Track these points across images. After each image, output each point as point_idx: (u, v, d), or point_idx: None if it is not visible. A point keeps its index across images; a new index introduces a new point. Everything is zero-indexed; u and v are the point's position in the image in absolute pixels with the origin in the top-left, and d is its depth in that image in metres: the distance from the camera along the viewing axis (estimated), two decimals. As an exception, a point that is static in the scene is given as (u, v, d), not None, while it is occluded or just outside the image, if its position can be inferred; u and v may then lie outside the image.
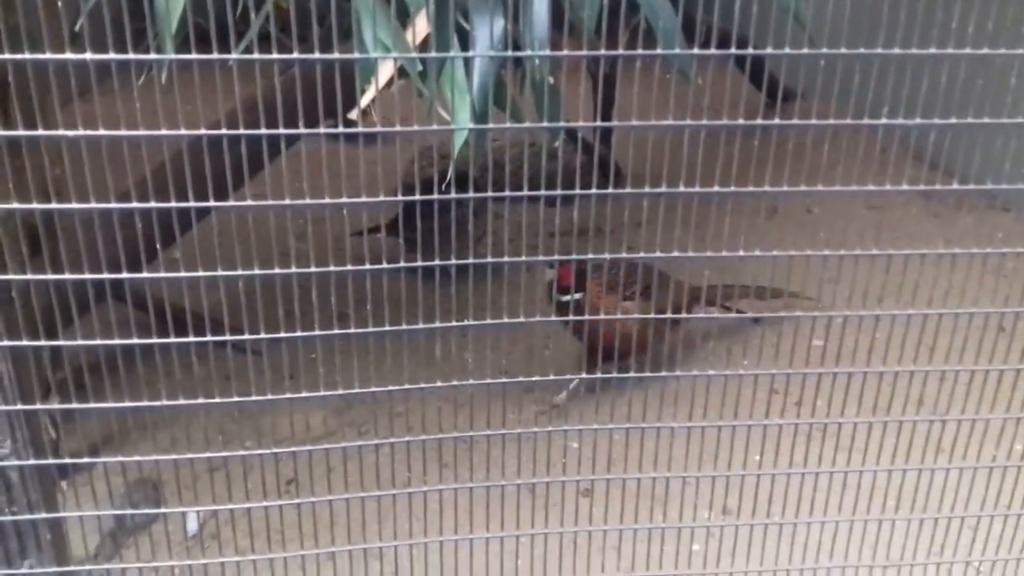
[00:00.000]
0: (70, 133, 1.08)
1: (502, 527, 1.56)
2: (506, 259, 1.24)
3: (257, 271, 1.16)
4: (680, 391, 1.54)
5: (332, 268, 1.18)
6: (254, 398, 1.29)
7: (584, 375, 2.96)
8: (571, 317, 2.67)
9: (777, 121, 1.24)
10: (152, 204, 1.12)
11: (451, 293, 1.21)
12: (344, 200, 1.15)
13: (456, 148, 1.34)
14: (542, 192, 1.20)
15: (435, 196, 1.16)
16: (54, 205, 1.15)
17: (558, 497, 1.69)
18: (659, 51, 1.18)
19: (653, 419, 1.56)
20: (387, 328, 1.24)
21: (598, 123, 3.28)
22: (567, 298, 2.87)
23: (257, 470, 2.37)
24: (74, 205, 1.14)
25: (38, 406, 1.20)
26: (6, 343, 1.14)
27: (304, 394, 1.30)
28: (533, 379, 1.46)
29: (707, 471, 1.61)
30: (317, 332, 1.23)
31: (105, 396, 1.28)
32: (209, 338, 1.21)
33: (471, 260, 1.17)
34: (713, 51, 1.18)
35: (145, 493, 2.37)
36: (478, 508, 1.58)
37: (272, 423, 2.70)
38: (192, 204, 1.13)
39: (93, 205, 1.13)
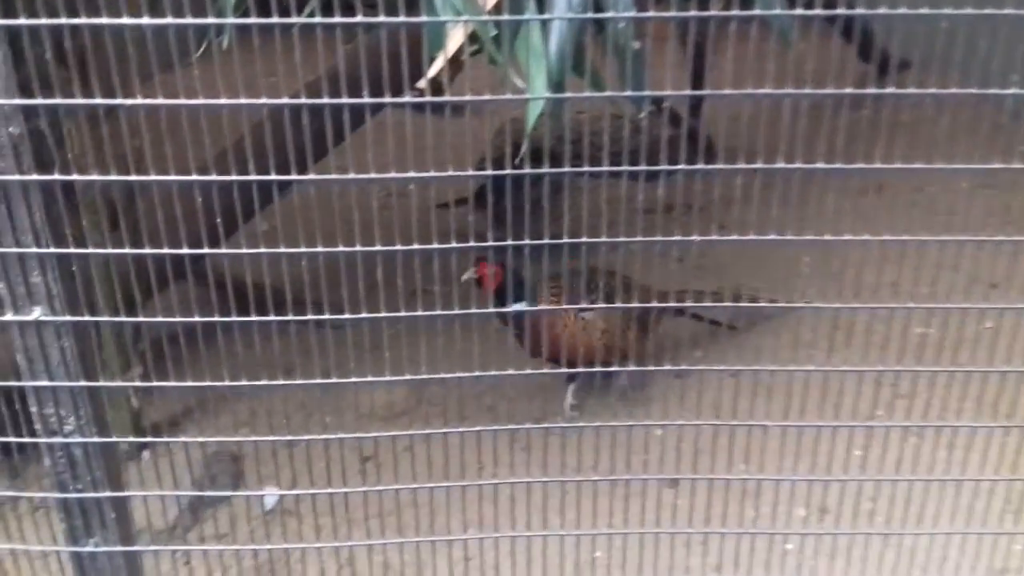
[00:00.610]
0: (148, 102, 1.05)
1: (578, 520, 1.49)
2: (604, 239, 1.15)
3: (341, 248, 1.10)
4: (774, 384, 1.43)
5: (416, 247, 1.12)
6: (333, 380, 1.25)
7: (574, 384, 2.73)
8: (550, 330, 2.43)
9: (892, 90, 1.11)
10: (233, 177, 1.08)
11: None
12: (428, 174, 1.08)
13: (531, 119, 1.25)
14: (624, 167, 1.10)
15: (508, 171, 1.08)
16: (133, 177, 1.11)
17: (641, 485, 1.60)
18: (756, 12, 1.07)
19: (745, 410, 1.46)
20: (468, 311, 1.18)
21: (688, 92, 3.01)
22: (511, 309, 2.57)
23: (335, 445, 2.36)
24: (154, 177, 1.10)
25: (101, 383, 1.18)
26: (67, 318, 1.12)
27: (384, 377, 1.26)
28: (612, 369, 1.37)
29: (803, 468, 1.49)
30: (402, 313, 1.18)
31: (186, 367, 1.26)
32: (290, 317, 1.17)
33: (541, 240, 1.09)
34: (818, 11, 1.06)
35: (224, 465, 2.39)
36: (554, 497, 1.50)
37: (353, 398, 2.68)
38: (274, 177, 1.08)
39: (173, 177, 1.10)
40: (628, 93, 1.15)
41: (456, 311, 1.19)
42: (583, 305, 2.54)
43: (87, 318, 1.14)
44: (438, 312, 1.15)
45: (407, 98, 1.03)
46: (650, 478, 1.46)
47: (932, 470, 1.52)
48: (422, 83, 1.12)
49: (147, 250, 1.07)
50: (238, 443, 2.37)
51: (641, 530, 1.50)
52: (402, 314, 1.20)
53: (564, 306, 2.54)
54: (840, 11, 1.07)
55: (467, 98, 1.02)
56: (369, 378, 1.24)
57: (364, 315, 1.19)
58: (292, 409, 2.56)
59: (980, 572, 1.57)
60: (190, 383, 1.23)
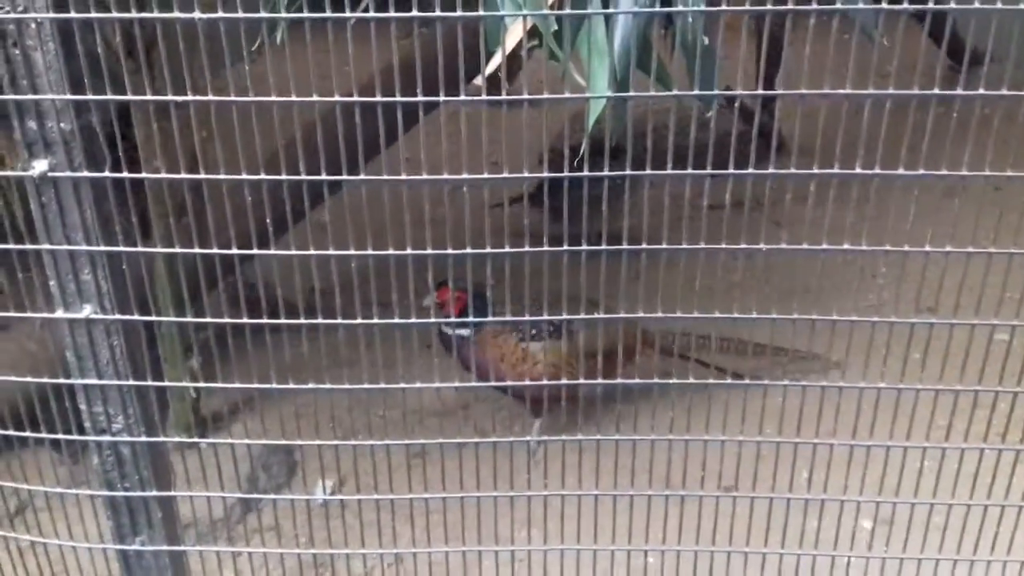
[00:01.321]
0: (200, 99, 1.03)
1: (630, 524, 1.44)
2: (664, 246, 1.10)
3: (392, 251, 1.07)
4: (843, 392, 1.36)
5: (468, 251, 1.08)
6: (381, 385, 1.23)
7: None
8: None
9: (982, 91, 1.03)
10: (284, 177, 1.05)
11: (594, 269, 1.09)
12: (483, 176, 1.04)
13: (592, 118, 1.18)
14: (689, 172, 1.04)
15: (563, 175, 1.03)
16: (200, 175, 1.10)
17: (698, 490, 1.54)
18: (838, 7, 1.00)
19: (811, 417, 1.39)
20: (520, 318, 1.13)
21: (761, 92, 2.85)
22: (453, 332, 2.42)
23: (389, 438, 2.34)
24: (205, 175, 1.09)
25: (150, 383, 1.17)
26: (117, 316, 1.10)
27: (435, 383, 1.23)
28: (669, 381, 1.32)
29: (871, 479, 1.42)
30: (452, 318, 1.14)
31: (245, 358, 1.25)
32: (337, 321, 1.14)
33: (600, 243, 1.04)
34: (906, 6, 0.98)
35: (280, 456, 2.39)
36: (606, 500, 1.46)
37: (403, 393, 2.66)
38: (327, 178, 1.06)
39: (228, 177, 1.08)
40: (696, 92, 1.08)
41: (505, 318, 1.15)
42: (532, 331, 2.42)
43: (137, 317, 1.13)
44: (494, 318, 1.11)
45: (463, 97, 0.99)
46: (706, 495, 1.40)
47: (1009, 492, 1.44)
48: (479, 80, 1.08)
49: (195, 249, 1.05)
50: (295, 434, 2.37)
51: (695, 548, 1.44)
52: (468, 319, 1.16)
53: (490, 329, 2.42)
54: (930, 5, 0.99)
55: (525, 96, 0.97)
56: (418, 384, 1.22)
57: (409, 320, 1.17)
58: (349, 403, 2.55)
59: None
60: (236, 385, 1.22)
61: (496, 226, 1.22)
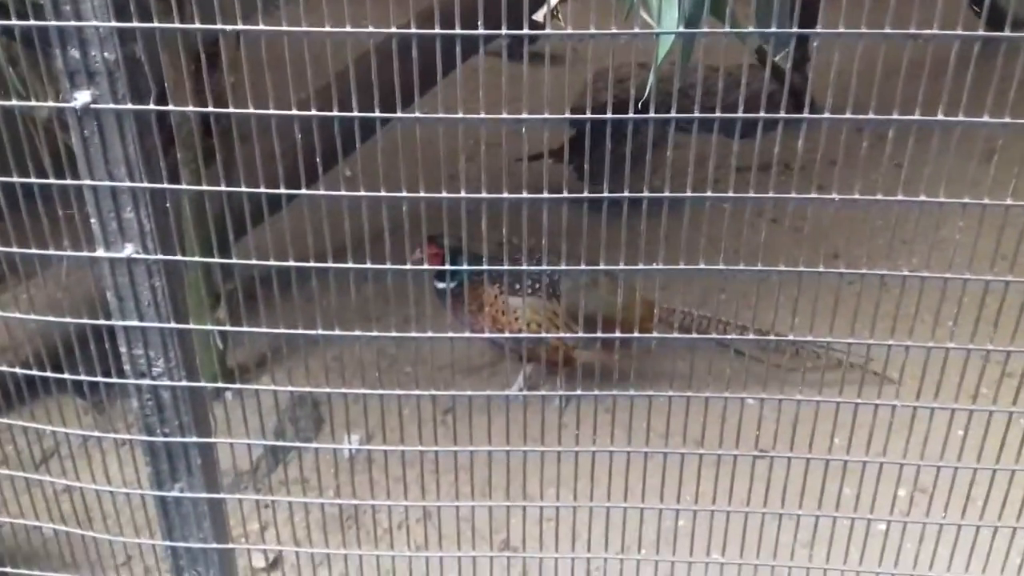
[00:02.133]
0: (249, 28, 0.99)
1: (662, 487, 1.42)
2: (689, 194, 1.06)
3: (422, 194, 1.04)
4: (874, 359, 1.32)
5: (505, 195, 1.05)
6: (411, 334, 1.20)
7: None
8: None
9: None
10: (321, 112, 1.01)
11: (627, 227, 1.05)
12: (544, 116, 1.00)
13: (660, 56, 1.14)
14: (739, 116, 1.00)
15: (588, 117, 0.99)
16: (231, 110, 1.06)
17: (730, 454, 1.52)
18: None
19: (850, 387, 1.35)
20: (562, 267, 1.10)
21: (804, 31, 2.79)
22: (442, 285, 2.50)
23: (416, 396, 2.33)
24: (235, 110, 1.05)
25: (191, 326, 1.14)
26: (160, 257, 1.07)
27: (463, 334, 1.20)
28: (702, 336, 1.28)
29: (902, 446, 1.40)
30: (484, 267, 1.11)
31: (274, 309, 1.22)
32: (368, 266, 1.11)
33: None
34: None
35: (307, 410, 2.38)
36: (637, 460, 1.44)
37: (431, 350, 2.65)
38: (361, 114, 1.02)
39: (257, 111, 1.04)
40: (771, 30, 1.04)
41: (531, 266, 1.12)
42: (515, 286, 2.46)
43: (180, 257, 1.10)
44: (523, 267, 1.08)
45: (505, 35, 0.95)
46: (740, 454, 1.37)
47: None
48: (540, 14, 1.03)
49: (242, 188, 1.02)
50: (327, 383, 2.36)
51: (727, 508, 1.41)
52: (503, 267, 1.13)
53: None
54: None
55: (591, 31, 0.93)
56: (449, 334, 1.19)
57: (449, 267, 1.13)
58: (376, 358, 2.53)
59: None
60: (266, 330, 1.19)
61: (531, 182, 1.19)
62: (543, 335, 2.52)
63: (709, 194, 1.07)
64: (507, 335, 2.45)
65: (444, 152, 1.10)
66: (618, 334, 1.28)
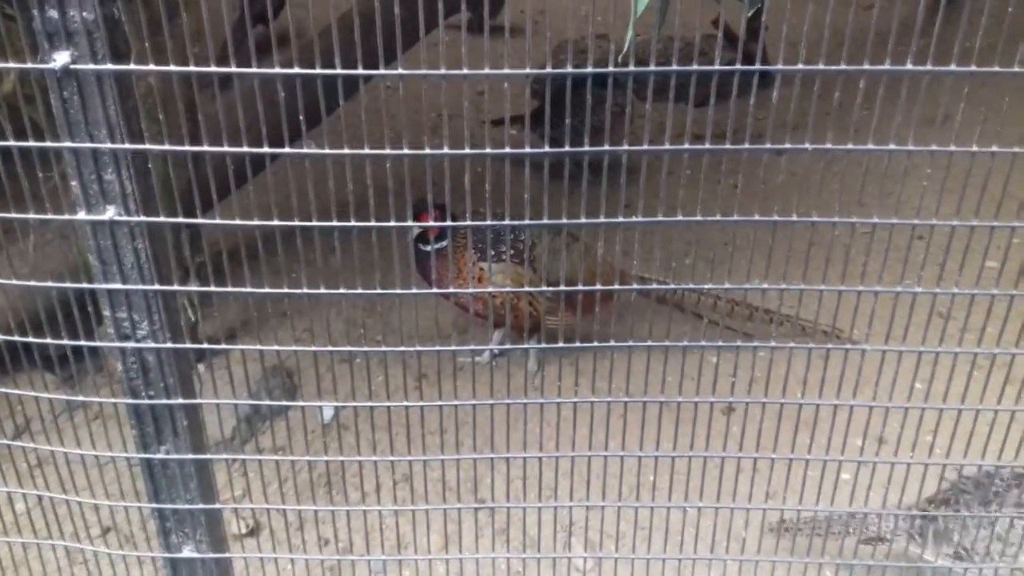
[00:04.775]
0: None
1: (632, 444, 1.46)
2: (646, 147, 1.09)
3: (406, 151, 1.06)
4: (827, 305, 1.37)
5: (488, 151, 1.07)
6: (378, 291, 1.22)
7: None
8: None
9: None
10: (299, 70, 1.01)
11: (591, 190, 1.09)
12: (526, 71, 1.02)
13: (640, 8, 1.16)
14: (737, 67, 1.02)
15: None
16: (213, 68, 1.05)
17: (694, 411, 1.57)
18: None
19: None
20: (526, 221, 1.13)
21: None
22: (427, 247, 2.55)
23: (390, 363, 2.36)
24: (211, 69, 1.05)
25: (176, 287, 1.16)
26: (142, 219, 1.09)
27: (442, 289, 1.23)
28: (669, 285, 1.32)
29: (862, 399, 1.45)
30: (449, 223, 1.14)
31: (244, 280, 1.23)
32: (371, 224, 1.13)
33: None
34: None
35: (280, 380, 2.40)
36: (609, 418, 1.48)
37: (401, 320, 2.69)
38: (343, 71, 1.02)
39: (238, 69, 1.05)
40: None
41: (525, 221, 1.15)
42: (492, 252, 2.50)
43: (163, 219, 1.11)
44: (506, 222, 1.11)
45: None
46: (702, 401, 1.41)
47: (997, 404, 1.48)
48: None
49: (226, 148, 1.03)
50: (294, 359, 2.38)
51: (693, 453, 1.46)
52: (466, 224, 1.16)
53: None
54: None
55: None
56: (414, 290, 1.21)
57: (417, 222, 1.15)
58: (346, 328, 2.56)
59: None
60: (249, 289, 1.20)
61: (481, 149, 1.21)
62: (515, 290, 2.58)
63: (667, 147, 1.10)
64: (475, 291, 2.51)
65: (409, 124, 1.12)
66: (580, 287, 1.31)
